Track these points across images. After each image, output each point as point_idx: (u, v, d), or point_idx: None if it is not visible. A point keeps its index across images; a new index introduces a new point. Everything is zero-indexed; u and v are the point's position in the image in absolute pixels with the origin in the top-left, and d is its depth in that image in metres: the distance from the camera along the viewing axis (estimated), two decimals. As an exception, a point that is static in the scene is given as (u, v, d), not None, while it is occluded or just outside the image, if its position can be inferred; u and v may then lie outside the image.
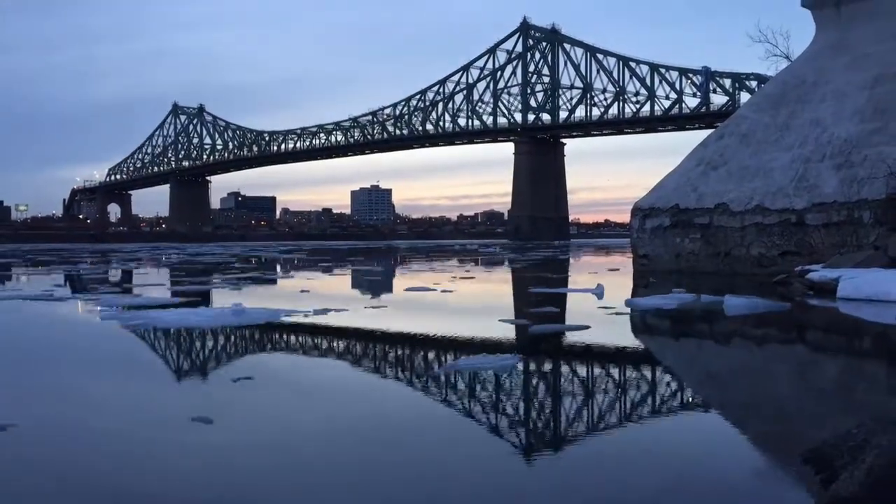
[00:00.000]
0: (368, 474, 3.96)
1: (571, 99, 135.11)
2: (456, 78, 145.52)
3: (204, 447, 4.48)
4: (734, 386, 6.72)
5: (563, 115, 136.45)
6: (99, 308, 12.83)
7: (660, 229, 23.14)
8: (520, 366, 6.92)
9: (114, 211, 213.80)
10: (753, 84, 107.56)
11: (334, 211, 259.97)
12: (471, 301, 14.98)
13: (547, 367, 7.46)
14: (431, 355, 8.05)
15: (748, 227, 20.86)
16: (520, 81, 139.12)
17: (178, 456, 4.31)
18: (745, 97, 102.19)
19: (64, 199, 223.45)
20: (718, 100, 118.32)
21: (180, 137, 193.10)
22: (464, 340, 9.04)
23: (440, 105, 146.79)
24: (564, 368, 7.24)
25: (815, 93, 21.87)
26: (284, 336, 9.56)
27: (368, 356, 8.09)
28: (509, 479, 3.89)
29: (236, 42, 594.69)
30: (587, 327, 9.68)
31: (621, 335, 9.74)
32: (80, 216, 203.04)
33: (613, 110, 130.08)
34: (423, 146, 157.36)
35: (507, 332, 9.61)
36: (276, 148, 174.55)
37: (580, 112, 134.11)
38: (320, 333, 9.68)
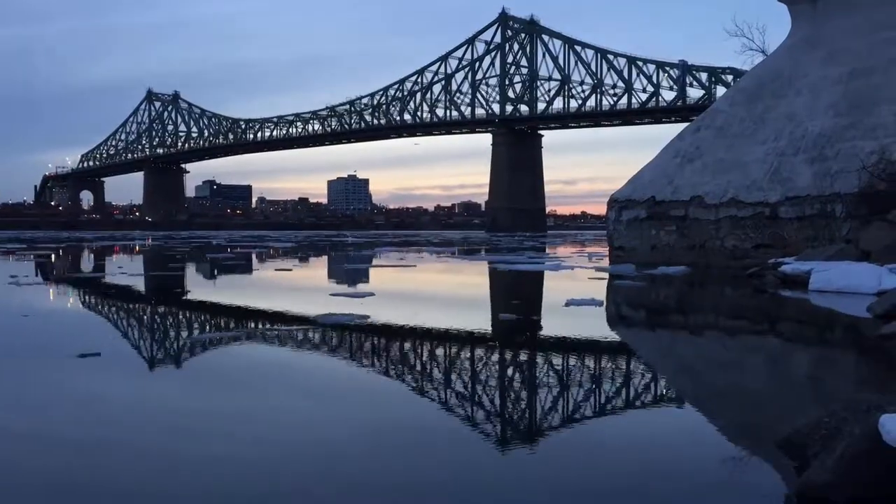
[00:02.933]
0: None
1: (549, 90, 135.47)
2: (434, 68, 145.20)
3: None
4: (709, 377, 6.79)
5: (540, 106, 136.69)
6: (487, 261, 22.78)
7: (636, 221, 23.28)
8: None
9: (86, 198, 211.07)
10: (729, 78, 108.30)
11: (311, 200, 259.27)
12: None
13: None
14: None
15: (723, 219, 21.07)
16: (498, 72, 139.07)
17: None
18: (721, 91, 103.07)
19: (35, 186, 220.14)
20: (695, 93, 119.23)
21: (154, 124, 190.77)
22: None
23: (418, 95, 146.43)
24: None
25: (790, 87, 22.08)
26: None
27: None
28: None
29: (211, 22, 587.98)
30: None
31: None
32: (52, 203, 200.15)
33: (591, 102, 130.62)
34: (400, 136, 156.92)
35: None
36: (251, 136, 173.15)
37: (558, 104, 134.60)
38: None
